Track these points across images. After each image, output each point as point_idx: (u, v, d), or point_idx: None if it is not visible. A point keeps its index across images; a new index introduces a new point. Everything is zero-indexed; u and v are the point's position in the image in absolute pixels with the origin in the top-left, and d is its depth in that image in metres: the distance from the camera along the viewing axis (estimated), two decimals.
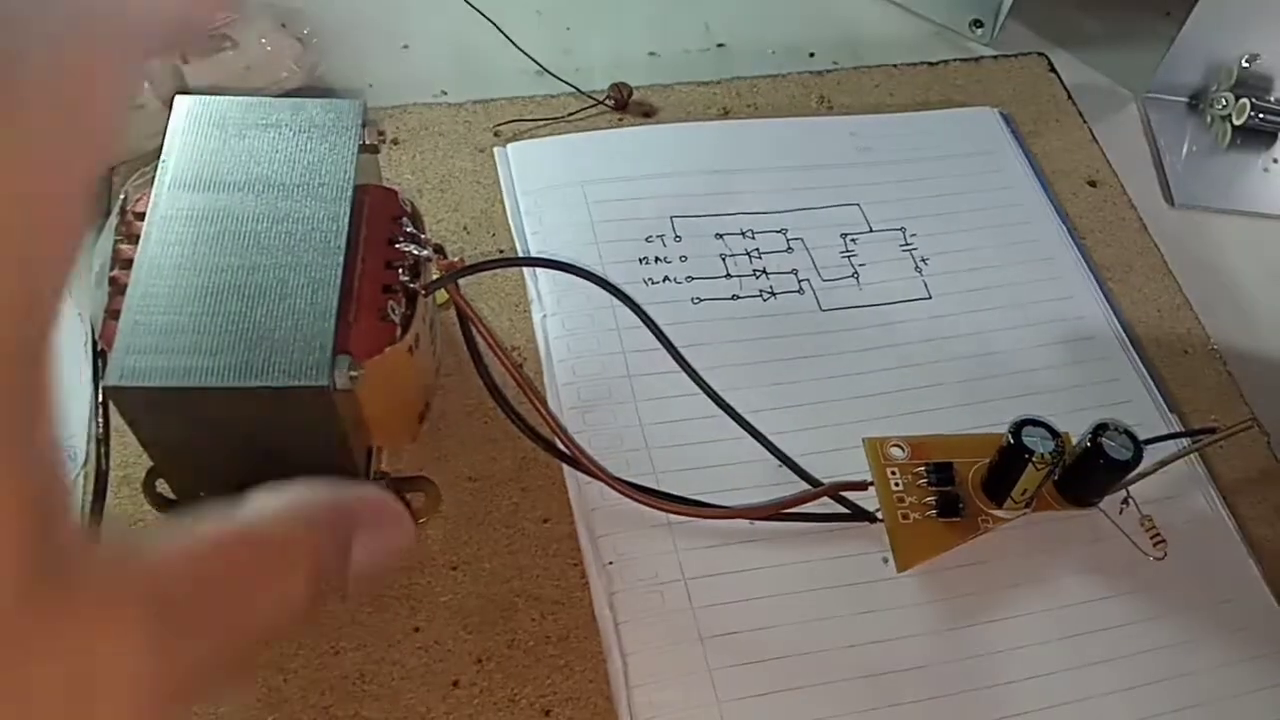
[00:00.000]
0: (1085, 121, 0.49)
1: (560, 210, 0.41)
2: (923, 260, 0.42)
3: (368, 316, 0.29)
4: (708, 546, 0.34)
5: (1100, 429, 0.32)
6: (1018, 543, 0.35)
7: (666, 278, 0.40)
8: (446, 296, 0.34)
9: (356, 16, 0.49)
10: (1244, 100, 0.49)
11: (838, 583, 0.33)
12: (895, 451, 0.35)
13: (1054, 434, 0.32)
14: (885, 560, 0.34)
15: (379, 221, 0.31)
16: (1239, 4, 0.48)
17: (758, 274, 0.41)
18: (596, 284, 0.35)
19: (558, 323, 0.38)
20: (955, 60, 0.51)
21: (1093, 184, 0.46)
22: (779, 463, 0.35)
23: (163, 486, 0.32)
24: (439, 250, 0.32)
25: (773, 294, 0.40)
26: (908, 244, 0.43)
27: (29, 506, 0.14)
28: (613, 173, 0.43)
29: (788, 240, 0.42)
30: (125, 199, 0.30)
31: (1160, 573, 0.34)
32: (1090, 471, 0.33)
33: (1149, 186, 0.48)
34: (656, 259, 0.41)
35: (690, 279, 0.40)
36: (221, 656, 0.17)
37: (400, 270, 0.30)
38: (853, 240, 0.42)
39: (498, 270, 0.40)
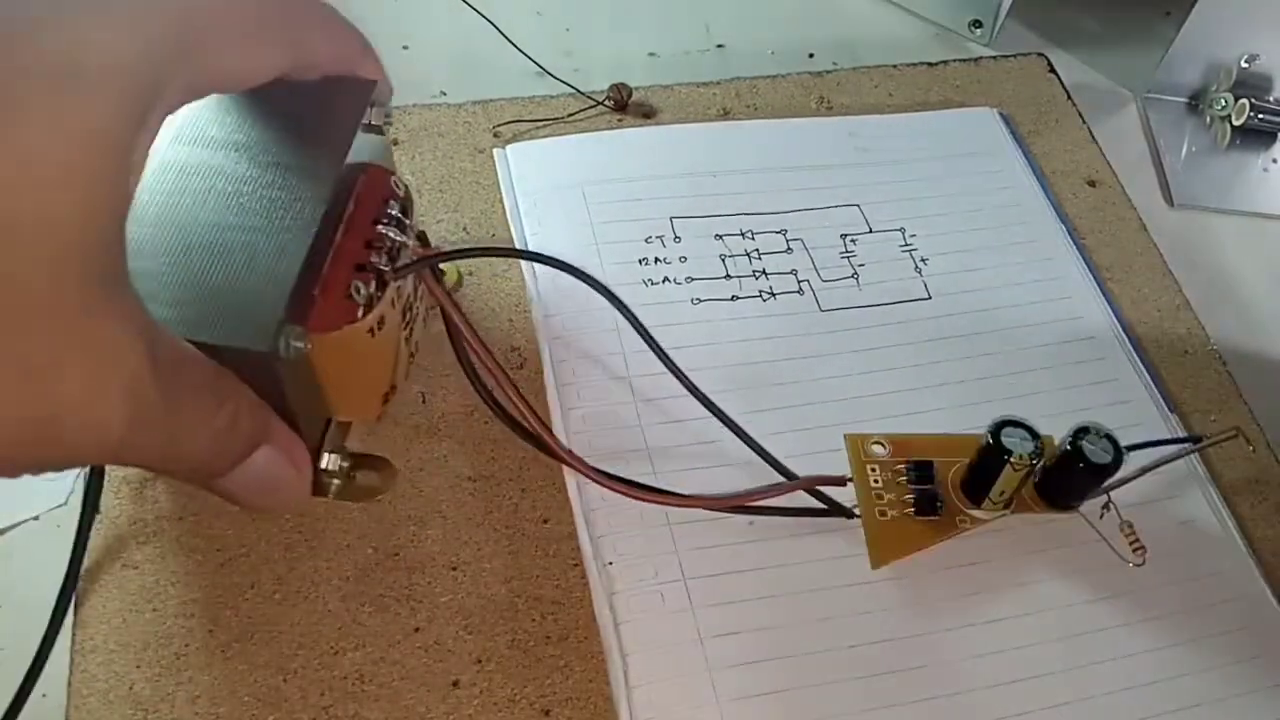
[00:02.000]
0: (1085, 122, 0.49)
1: (560, 211, 0.42)
2: (922, 260, 0.42)
3: (334, 293, 0.29)
4: (708, 547, 0.34)
5: (1081, 432, 0.32)
6: (1016, 545, 0.35)
7: (666, 278, 0.40)
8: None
9: (356, 16, 0.49)
10: (1243, 100, 0.49)
11: (838, 583, 0.33)
12: (876, 449, 0.35)
13: (1034, 435, 0.32)
14: None
15: (369, 202, 0.31)
16: (1239, 4, 0.48)
17: (757, 274, 0.41)
18: (583, 280, 0.35)
19: (558, 323, 0.38)
20: (954, 61, 0.51)
21: (1092, 184, 0.46)
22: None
23: None
24: (421, 239, 0.33)
25: (772, 294, 0.40)
26: (907, 244, 0.43)
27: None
28: (612, 174, 0.43)
29: (787, 241, 0.42)
30: None
31: (1160, 573, 0.34)
32: (1070, 475, 0.33)
33: (1148, 186, 0.48)
34: (656, 260, 0.41)
35: (690, 280, 0.40)
36: (171, 436, 0.21)
37: (374, 252, 0.30)
38: (852, 240, 0.42)
39: (499, 272, 0.40)
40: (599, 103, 0.46)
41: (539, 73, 0.47)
